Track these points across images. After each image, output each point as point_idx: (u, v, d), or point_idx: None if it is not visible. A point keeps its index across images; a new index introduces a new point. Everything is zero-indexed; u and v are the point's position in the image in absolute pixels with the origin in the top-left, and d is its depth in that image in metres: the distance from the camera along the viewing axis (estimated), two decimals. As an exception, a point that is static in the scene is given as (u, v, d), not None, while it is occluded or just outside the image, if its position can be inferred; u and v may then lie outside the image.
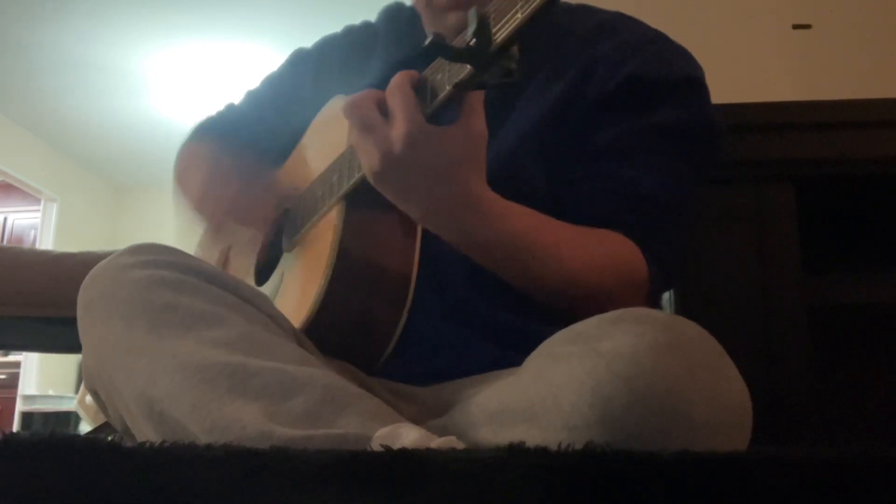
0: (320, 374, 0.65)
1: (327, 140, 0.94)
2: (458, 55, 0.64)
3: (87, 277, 0.74)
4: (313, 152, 0.98)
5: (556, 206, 0.83)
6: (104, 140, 6.12)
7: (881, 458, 0.46)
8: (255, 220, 0.99)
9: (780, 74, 1.71)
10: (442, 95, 0.69)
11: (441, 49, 0.64)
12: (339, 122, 0.84)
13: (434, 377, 0.82)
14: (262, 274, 1.00)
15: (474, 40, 0.62)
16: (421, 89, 0.72)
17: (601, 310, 0.63)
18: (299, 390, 0.62)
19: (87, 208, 6.66)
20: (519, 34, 0.61)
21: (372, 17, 1.11)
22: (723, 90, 1.01)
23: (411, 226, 0.85)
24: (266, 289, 0.96)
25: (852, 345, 1.41)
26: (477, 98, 0.71)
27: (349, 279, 0.82)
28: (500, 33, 0.61)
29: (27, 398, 5.81)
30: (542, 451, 0.47)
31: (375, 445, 0.55)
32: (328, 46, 1.11)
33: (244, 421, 0.60)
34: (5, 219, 6.95)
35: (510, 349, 0.75)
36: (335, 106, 0.96)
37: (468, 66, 0.65)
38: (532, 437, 0.56)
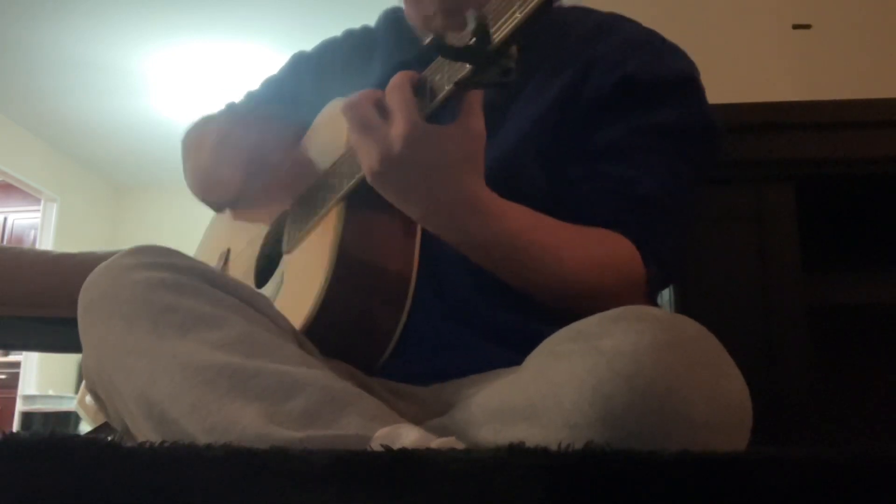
0: (320, 375, 0.65)
1: (327, 142, 0.94)
2: (457, 54, 0.64)
3: (88, 279, 0.74)
4: (313, 154, 0.98)
5: (556, 206, 0.83)
6: (104, 140, 6.12)
7: (881, 458, 0.46)
8: (276, 163, 0.96)
9: (780, 74, 1.71)
10: (441, 95, 0.69)
11: (440, 48, 0.64)
12: (339, 124, 0.84)
13: (434, 377, 0.82)
14: (263, 276, 1.00)
15: (473, 40, 0.62)
16: (420, 89, 0.72)
17: (600, 310, 0.63)
18: (299, 391, 0.62)
19: (87, 208, 6.67)
20: (517, 34, 0.61)
21: (372, 17, 1.11)
22: (723, 90, 1.01)
23: (411, 226, 0.85)
24: (266, 290, 0.96)
25: (852, 345, 1.41)
26: (475, 98, 0.71)
27: (349, 280, 0.82)
28: (499, 33, 0.62)
29: (27, 398, 5.81)
30: (542, 451, 0.47)
31: (375, 446, 0.55)
32: (329, 50, 1.11)
33: (244, 422, 0.60)
34: (5, 219, 6.95)
35: (510, 349, 0.75)
36: (335, 108, 0.96)
37: (467, 65, 0.65)
38: (533, 435, 0.57)
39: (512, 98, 0.91)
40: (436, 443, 0.56)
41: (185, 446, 0.51)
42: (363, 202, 0.83)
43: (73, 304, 0.74)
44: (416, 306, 0.84)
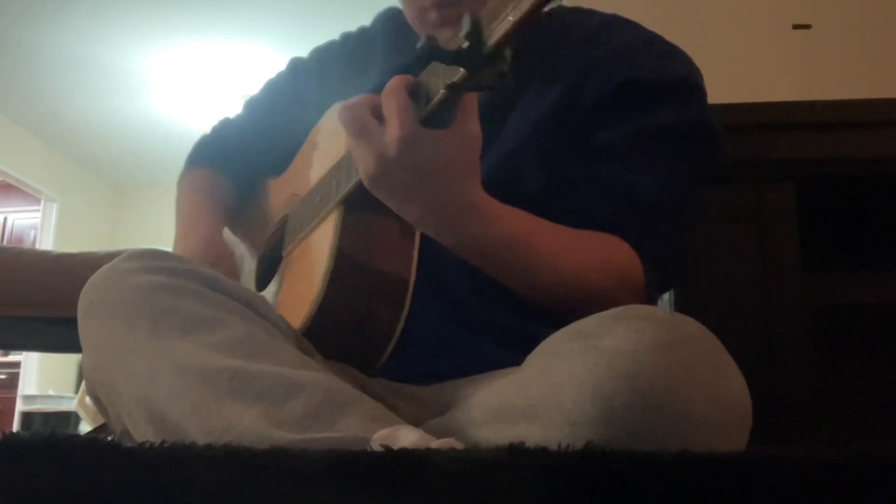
0: (319, 377, 0.65)
1: (327, 147, 0.95)
2: (450, 57, 0.64)
3: (88, 282, 0.75)
4: (313, 159, 0.98)
5: (554, 209, 0.83)
6: (104, 140, 6.12)
7: (881, 458, 0.46)
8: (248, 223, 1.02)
9: (780, 74, 1.70)
10: (436, 98, 0.69)
11: (433, 52, 0.64)
12: (339, 130, 0.84)
13: (434, 377, 0.83)
14: (263, 279, 1.01)
15: (467, 43, 0.62)
16: (416, 93, 0.72)
17: (598, 312, 0.63)
18: (298, 393, 0.62)
19: (87, 208, 6.67)
20: (511, 36, 0.61)
21: (372, 17, 1.11)
22: (723, 90, 1.01)
23: (409, 228, 0.85)
24: (266, 293, 0.97)
25: (852, 345, 1.41)
26: (471, 101, 0.71)
27: (348, 281, 0.82)
28: (493, 35, 0.61)
29: (27, 398, 5.81)
30: (542, 451, 0.47)
31: (374, 447, 0.55)
32: (327, 55, 1.11)
33: (244, 423, 0.60)
34: (5, 219, 6.95)
35: (510, 349, 0.75)
36: (335, 113, 0.96)
37: (461, 68, 0.65)
38: (533, 434, 0.57)
39: (513, 100, 0.91)
40: (435, 444, 0.56)
41: (185, 446, 0.51)
42: (361, 205, 0.83)
43: (73, 304, 0.75)
44: (416, 307, 0.84)
